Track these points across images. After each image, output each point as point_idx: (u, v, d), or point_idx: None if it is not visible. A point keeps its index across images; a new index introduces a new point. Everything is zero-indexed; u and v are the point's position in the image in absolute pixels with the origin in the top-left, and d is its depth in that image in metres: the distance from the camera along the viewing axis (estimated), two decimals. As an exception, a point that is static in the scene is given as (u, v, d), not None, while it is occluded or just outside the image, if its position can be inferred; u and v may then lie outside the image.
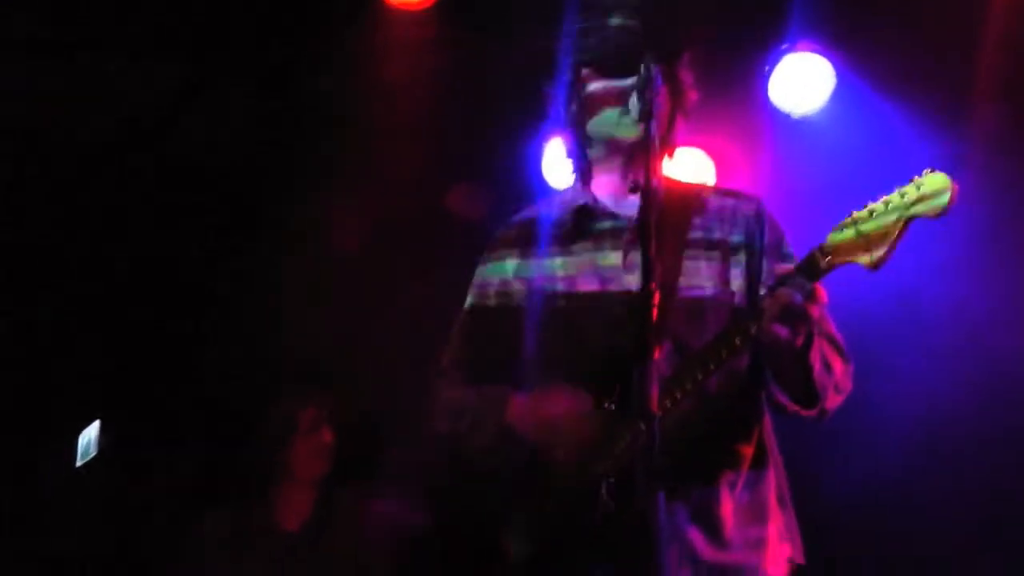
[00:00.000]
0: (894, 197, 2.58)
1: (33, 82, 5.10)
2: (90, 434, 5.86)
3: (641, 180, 2.61)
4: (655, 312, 2.37)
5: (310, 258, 5.61)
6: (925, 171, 2.57)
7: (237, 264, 5.83)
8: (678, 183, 3.22)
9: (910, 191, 2.55)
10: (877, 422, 4.60)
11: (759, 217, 3.08)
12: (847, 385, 2.95)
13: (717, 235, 3.06)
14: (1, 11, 4.73)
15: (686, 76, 3.16)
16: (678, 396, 2.76)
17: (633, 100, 2.86)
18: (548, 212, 3.23)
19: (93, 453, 5.83)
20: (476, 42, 5.13)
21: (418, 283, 5.43)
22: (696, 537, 2.86)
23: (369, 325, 5.56)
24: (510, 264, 3.18)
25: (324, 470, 4.88)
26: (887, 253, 2.57)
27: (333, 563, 4.70)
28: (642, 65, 2.70)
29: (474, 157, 5.52)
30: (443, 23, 5.01)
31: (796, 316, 2.65)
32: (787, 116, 5.01)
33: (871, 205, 2.61)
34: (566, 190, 3.31)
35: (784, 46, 4.92)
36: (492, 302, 3.19)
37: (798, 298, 2.63)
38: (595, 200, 3.15)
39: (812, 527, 3.11)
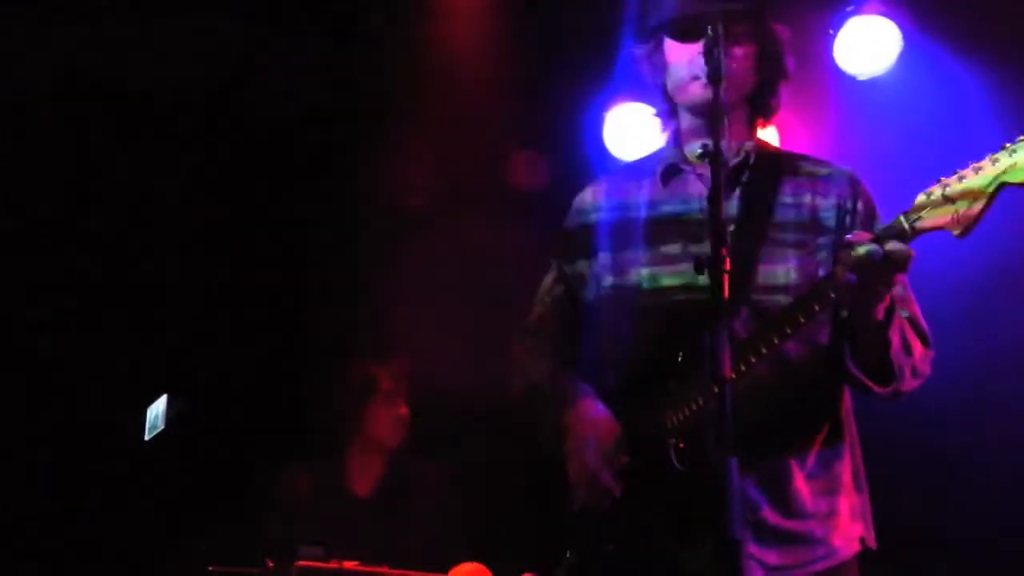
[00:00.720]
0: (985, 163, 2.51)
1: (105, 36, 5.12)
2: (158, 408, 5.93)
3: (711, 146, 2.56)
4: (726, 275, 2.33)
5: (378, 214, 5.67)
6: (1019, 138, 2.49)
7: (306, 216, 5.86)
8: (771, 147, 3.21)
9: (1002, 157, 2.48)
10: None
11: (853, 187, 3.02)
12: (926, 369, 2.90)
13: (807, 201, 3.00)
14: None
15: (779, 35, 3.11)
16: (752, 360, 2.74)
17: (701, 63, 2.82)
18: (637, 170, 3.23)
19: (161, 427, 5.89)
20: (541, 8, 5.10)
21: (480, 246, 5.44)
22: (762, 503, 2.85)
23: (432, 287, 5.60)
24: (593, 207, 3.18)
25: (398, 438, 4.92)
26: (975, 219, 2.50)
27: (400, 531, 4.73)
28: (709, 26, 2.66)
29: (535, 125, 5.50)
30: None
31: (872, 268, 2.60)
32: (853, 79, 4.94)
33: (960, 171, 2.54)
34: (658, 150, 3.27)
35: (849, 8, 4.85)
36: (575, 270, 3.19)
37: (877, 251, 2.58)
38: (684, 160, 3.12)
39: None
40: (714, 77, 2.61)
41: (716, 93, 2.62)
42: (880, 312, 2.69)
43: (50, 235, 5.70)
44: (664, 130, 3.22)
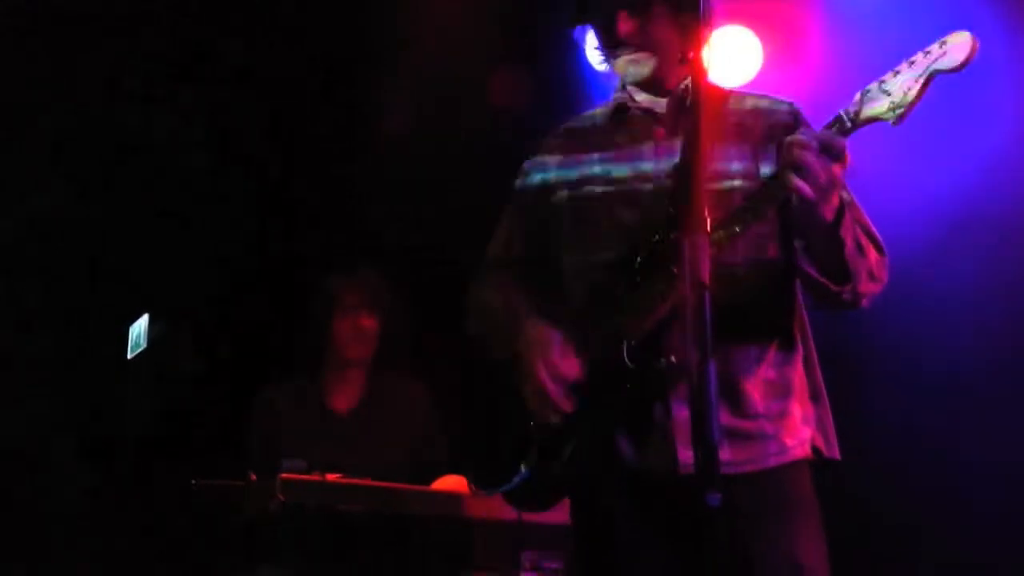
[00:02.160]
0: (918, 56, 2.65)
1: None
2: (140, 326, 5.91)
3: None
4: (699, 182, 2.33)
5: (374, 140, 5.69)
6: (951, 32, 2.61)
7: (293, 135, 5.86)
8: (713, 84, 3.17)
9: (934, 49, 2.62)
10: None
11: (794, 116, 3.07)
12: (883, 275, 2.95)
13: (750, 126, 3.06)
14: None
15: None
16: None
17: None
18: (590, 115, 3.28)
19: (144, 346, 5.88)
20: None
21: (463, 171, 5.43)
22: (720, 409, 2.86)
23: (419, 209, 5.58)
24: (551, 163, 3.22)
25: (365, 353, 4.92)
26: (909, 107, 2.63)
27: (380, 447, 4.76)
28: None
29: (518, 42, 5.46)
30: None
31: (811, 158, 2.65)
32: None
33: (895, 68, 2.68)
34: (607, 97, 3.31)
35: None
36: (532, 200, 3.24)
37: (816, 139, 2.66)
38: (632, 99, 3.16)
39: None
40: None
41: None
42: (829, 213, 2.74)
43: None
44: (606, 63, 3.22)
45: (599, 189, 3.08)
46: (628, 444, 2.94)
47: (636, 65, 3.07)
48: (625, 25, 3.03)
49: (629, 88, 3.18)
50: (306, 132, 5.97)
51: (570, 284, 3.13)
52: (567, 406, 2.94)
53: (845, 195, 2.85)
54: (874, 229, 2.98)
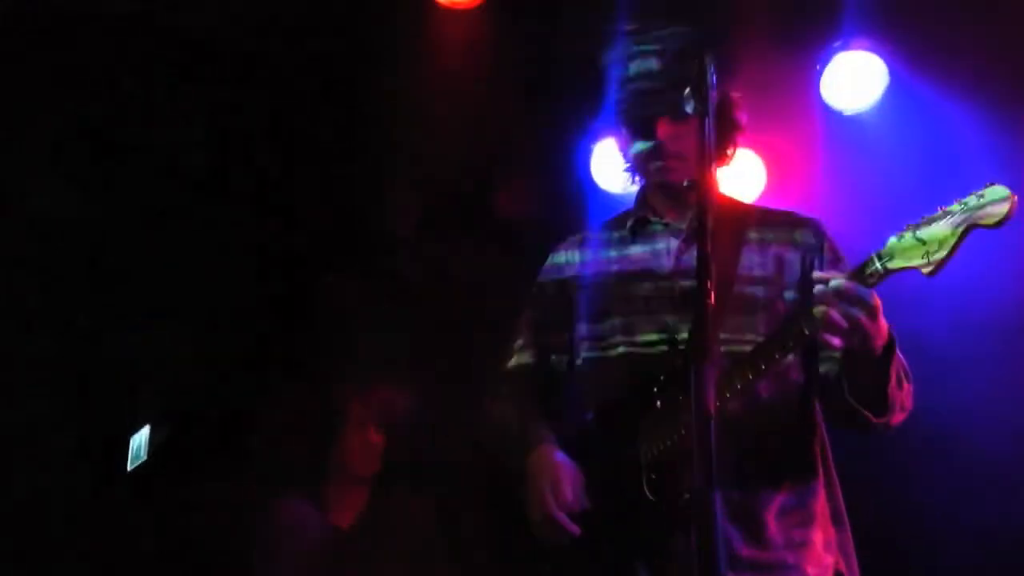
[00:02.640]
0: (954, 207, 2.58)
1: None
2: (141, 437, 5.90)
3: (696, 180, 2.59)
4: (710, 311, 2.34)
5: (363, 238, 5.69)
6: (986, 184, 2.58)
7: (291, 240, 5.89)
8: (732, 200, 3.27)
9: (970, 201, 2.57)
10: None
11: (817, 236, 3.09)
12: (910, 405, 2.95)
13: (773, 242, 3.08)
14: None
15: (730, 99, 3.17)
16: (727, 395, 2.76)
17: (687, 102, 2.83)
18: (608, 230, 3.31)
19: (145, 457, 5.86)
20: (526, 42, 5.12)
21: (465, 273, 5.45)
22: (734, 536, 2.86)
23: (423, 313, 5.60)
24: (568, 264, 3.28)
25: (371, 466, 4.89)
26: (944, 259, 2.57)
27: (382, 564, 4.70)
28: (698, 61, 2.66)
29: (523, 155, 5.51)
30: (494, 22, 5.02)
31: (847, 298, 2.64)
32: (839, 114, 4.97)
33: (929, 216, 2.62)
34: (628, 205, 3.36)
35: (836, 43, 4.88)
36: (549, 301, 3.28)
37: (851, 286, 2.64)
38: (653, 212, 3.21)
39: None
40: (703, 111, 2.60)
41: (704, 127, 2.61)
42: (879, 348, 2.72)
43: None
44: (633, 176, 3.27)
45: (618, 309, 3.10)
46: (647, 573, 2.89)
47: (667, 173, 3.10)
48: (664, 130, 3.06)
49: (651, 200, 3.22)
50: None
51: (586, 398, 3.13)
52: (575, 531, 2.92)
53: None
54: (902, 356, 2.95)
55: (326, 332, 5.64)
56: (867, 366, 2.76)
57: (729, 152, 3.21)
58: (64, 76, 5.19)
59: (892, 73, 4.84)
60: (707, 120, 2.60)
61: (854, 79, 4.88)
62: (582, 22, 4.75)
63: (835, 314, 2.62)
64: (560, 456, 3.01)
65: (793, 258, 3.05)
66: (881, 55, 4.84)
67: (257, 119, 5.44)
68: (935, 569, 4.73)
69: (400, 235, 5.77)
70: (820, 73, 4.92)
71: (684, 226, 3.13)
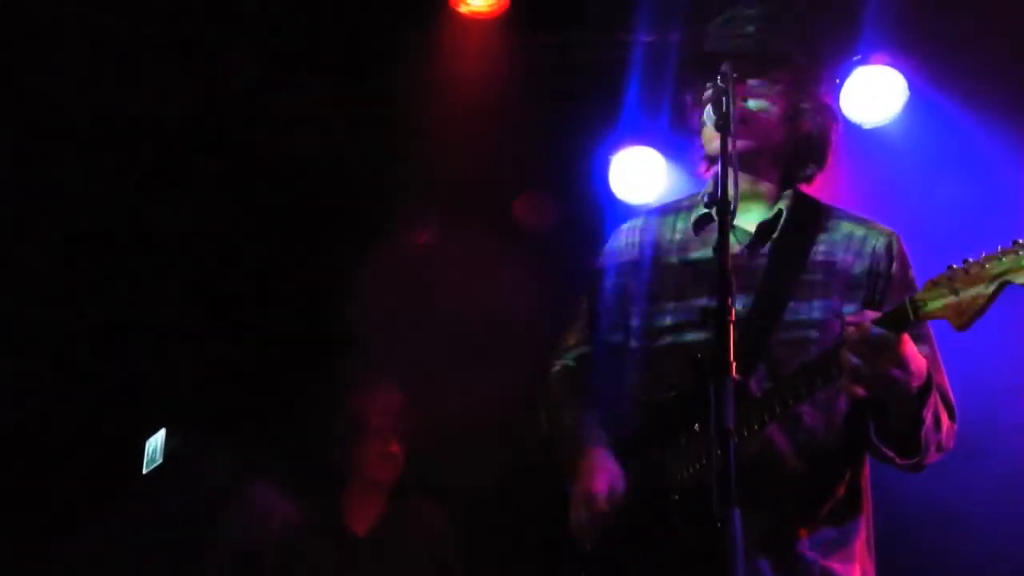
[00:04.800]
0: (993, 258, 2.50)
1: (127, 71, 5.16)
2: (156, 441, 5.91)
3: (717, 195, 2.54)
4: (731, 330, 2.32)
5: (387, 252, 5.67)
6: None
7: (314, 260, 5.87)
8: (812, 200, 3.15)
9: (1010, 254, 2.48)
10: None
11: (889, 250, 2.98)
12: (950, 444, 2.86)
13: (840, 261, 2.97)
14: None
15: (818, 96, 3.13)
16: (765, 419, 2.72)
17: (709, 110, 2.81)
18: (673, 217, 3.21)
19: (160, 460, 5.87)
20: (546, 51, 5.13)
21: (483, 288, 5.45)
22: (763, 565, 2.80)
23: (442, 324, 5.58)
24: (628, 249, 3.19)
25: (391, 476, 4.87)
26: (976, 315, 2.50)
27: (398, 572, 4.70)
28: (719, 75, 2.65)
29: (542, 166, 5.51)
30: (514, 32, 5.02)
31: (873, 348, 2.57)
32: (859, 128, 4.95)
33: (969, 261, 2.53)
34: (698, 192, 3.26)
35: (856, 58, 4.86)
36: (603, 311, 3.21)
37: (879, 334, 2.56)
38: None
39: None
40: (723, 125, 2.61)
41: (724, 141, 2.61)
42: (913, 389, 2.64)
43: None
44: (705, 173, 3.20)
45: (669, 320, 3.02)
46: None
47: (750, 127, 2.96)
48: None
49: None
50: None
51: (632, 406, 3.07)
52: (604, 544, 2.90)
53: (925, 349, 2.75)
54: (950, 393, 2.88)
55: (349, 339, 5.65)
56: (899, 409, 2.68)
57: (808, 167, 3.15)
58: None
59: (912, 87, 4.83)
60: (727, 134, 2.60)
61: (874, 93, 4.86)
62: (602, 33, 4.76)
63: (856, 359, 2.56)
64: (611, 464, 2.97)
65: (860, 269, 2.95)
66: (901, 69, 4.83)
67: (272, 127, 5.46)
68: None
69: (418, 244, 5.78)
70: (840, 87, 4.90)
71: (749, 230, 3.02)
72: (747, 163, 2.94)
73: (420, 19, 5.02)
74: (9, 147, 5.26)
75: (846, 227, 3.04)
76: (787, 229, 2.94)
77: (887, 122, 4.91)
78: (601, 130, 5.23)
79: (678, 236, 3.14)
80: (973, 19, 4.69)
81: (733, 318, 2.33)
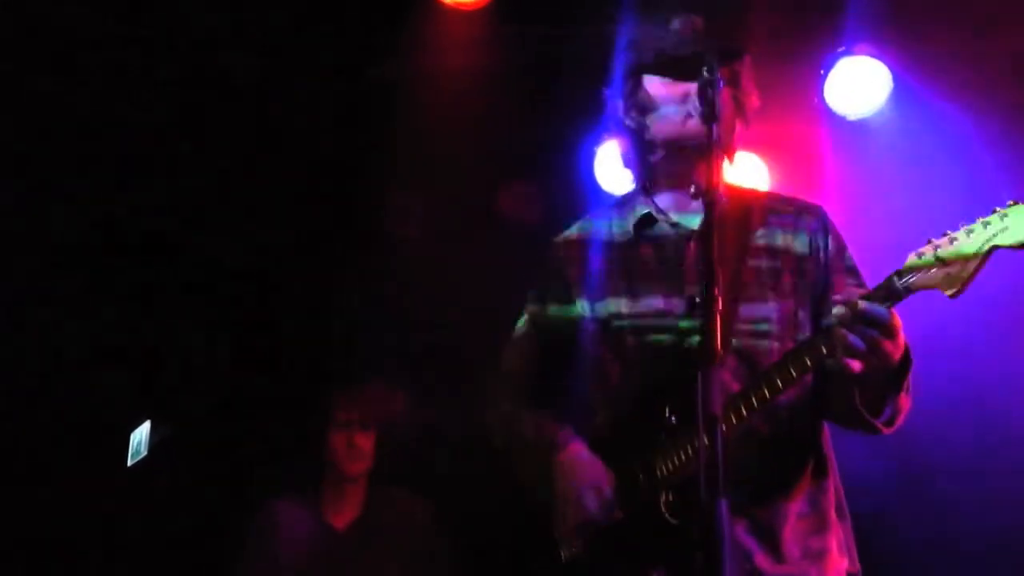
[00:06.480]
0: (976, 226, 2.54)
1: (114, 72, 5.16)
2: (141, 433, 5.90)
3: (704, 185, 2.56)
4: (718, 321, 2.33)
5: (374, 246, 5.67)
6: (1009, 202, 2.53)
7: (294, 243, 5.88)
8: (739, 188, 3.19)
9: (993, 221, 2.52)
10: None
11: (823, 226, 3.05)
12: (909, 406, 2.91)
13: (780, 244, 3.03)
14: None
15: (747, 80, 3.14)
16: (744, 412, 2.74)
17: (696, 102, 2.82)
18: (607, 222, 3.21)
19: (144, 453, 5.87)
20: (530, 42, 5.12)
21: (471, 280, 5.44)
22: (755, 549, 2.84)
23: (425, 316, 5.58)
24: (570, 279, 3.16)
25: (360, 469, 4.86)
26: (967, 281, 2.53)
27: (378, 564, 4.70)
28: (704, 66, 2.67)
29: (527, 157, 5.51)
30: (498, 22, 5.02)
31: (869, 324, 2.60)
32: (843, 119, 4.97)
33: (951, 233, 2.57)
34: (624, 196, 3.29)
35: (840, 49, 4.87)
36: (552, 318, 3.19)
37: (870, 308, 2.59)
38: (657, 208, 3.13)
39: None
40: (710, 116, 2.62)
41: (711, 132, 2.62)
42: (896, 361, 2.67)
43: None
44: (633, 172, 3.20)
45: (627, 322, 3.01)
46: None
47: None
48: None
49: (655, 196, 3.13)
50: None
51: (593, 412, 3.05)
52: (594, 539, 2.88)
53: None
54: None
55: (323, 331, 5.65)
56: (881, 379, 2.73)
57: (734, 144, 3.15)
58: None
59: (896, 78, 4.84)
60: (715, 126, 2.62)
61: (858, 84, 4.88)
62: (586, 24, 4.76)
63: (854, 337, 2.59)
64: (593, 457, 2.94)
65: (799, 243, 3.01)
66: (885, 60, 4.84)
67: (259, 118, 5.45)
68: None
69: (401, 236, 5.77)
70: (824, 78, 4.92)
71: (693, 227, 3.05)
72: (686, 157, 3.02)
73: (404, 10, 5.01)
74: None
75: (778, 208, 3.10)
76: (725, 216, 2.94)
77: (871, 114, 4.93)
78: (586, 121, 5.22)
79: (620, 239, 3.14)
80: (956, 10, 4.70)
81: (720, 308, 2.33)
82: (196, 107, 5.32)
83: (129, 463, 5.89)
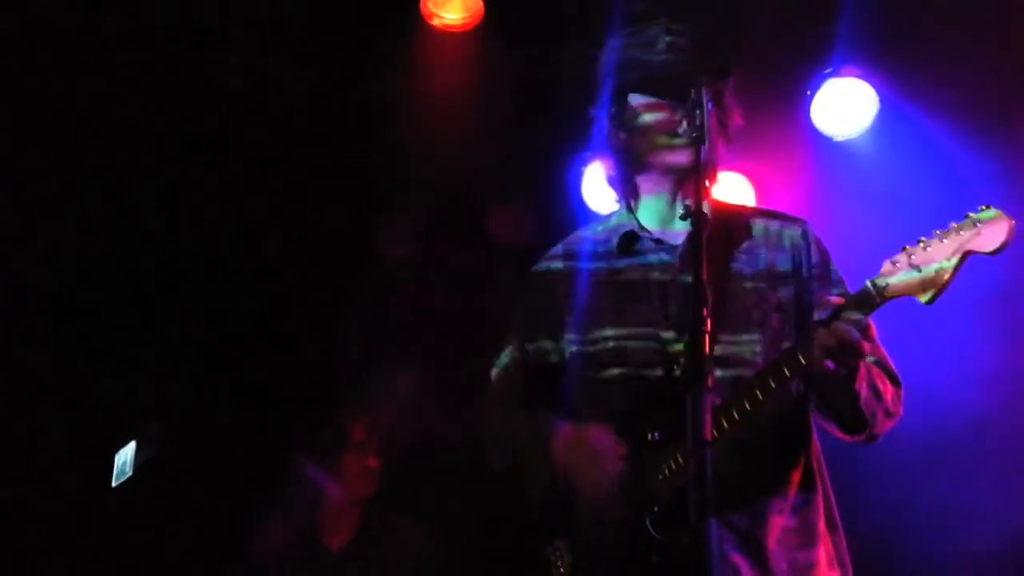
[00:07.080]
0: (950, 232, 2.57)
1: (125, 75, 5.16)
2: (126, 454, 5.88)
3: (692, 205, 2.57)
4: (707, 340, 2.33)
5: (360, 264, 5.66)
6: (981, 207, 2.56)
7: (289, 267, 5.87)
8: (723, 205, 3.20)
9: (966, 226, 2.55)
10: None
11: (806, 240, 3.07)
12: (897, 410, 2.92)
13: (763, 260, 3.03)
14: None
15: (731, 99, 3.15)
16: (725, 425, 2.74)
17: (684, 124, 2.83)
18: (591, 241, 3.21)
19: (129, 473, 5.84)
20: (518, 64, 5.14)
21: (457, 297, 5.45)
22: (742, 565, 2.83)
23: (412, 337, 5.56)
24: (554, 303, 3.14)
25: (368, 490, 4.86)
26: (942, 287, 2.56)
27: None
28: (692, 88, 2.68)
29: (514, 177, 5.52)
30: (487, 44, 5.03)
31: (849, 352, 2.63)
32: (829, 140, 4.99)
33: (925, 240, 2.60)
34: (609, 216, 3.29)
35: (827, 70, 4.89)
36: (537, 345, 3.17)
37: (854, 334, 2.62)
38: (641, 227, 3.12)
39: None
40: (698, 138, 2.64)
41: (698, 153, 2.64)
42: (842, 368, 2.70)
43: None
44: (617, 191, 3.20)
45: (612, 344, 3.01)
46: None
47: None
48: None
49: (638, 213, 3.13)
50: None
51: (579, 419, 3.02)
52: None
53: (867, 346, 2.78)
54: (890, 362, 2.95)
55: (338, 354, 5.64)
56: (833, 386, 2.76)
57: (718, 164, 3.15)
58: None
59: (883, 99, 4.86)
60: (702, 147, 2.63)
61: (844, 105, 4.90)
62: (573, 45, 4.77)
63: (833, 341, 2.61)
64: (593, 428, 2.92)
65: (783, 260, 3.02)
66: (871, 82, 4.87)
67: (251, 138, 5.45)
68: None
69: (395, 256, 5.77)
70: (810, 99, 4.93)
71: (677, 244, 3.06)
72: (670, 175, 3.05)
73: (393, 31, 5.02)
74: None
75: (761, 224, 3.11)
76: (710, 235, 2.95)
77: (858, 134, 4.95)
78: (573, 142, 5.23)
79: (604, 262, 3.13)
80: (943, 31, 4.73)
81: (708, 328, 2.34)
82: (186, 125, 5.32)
83: (113, 484, 5.87)
